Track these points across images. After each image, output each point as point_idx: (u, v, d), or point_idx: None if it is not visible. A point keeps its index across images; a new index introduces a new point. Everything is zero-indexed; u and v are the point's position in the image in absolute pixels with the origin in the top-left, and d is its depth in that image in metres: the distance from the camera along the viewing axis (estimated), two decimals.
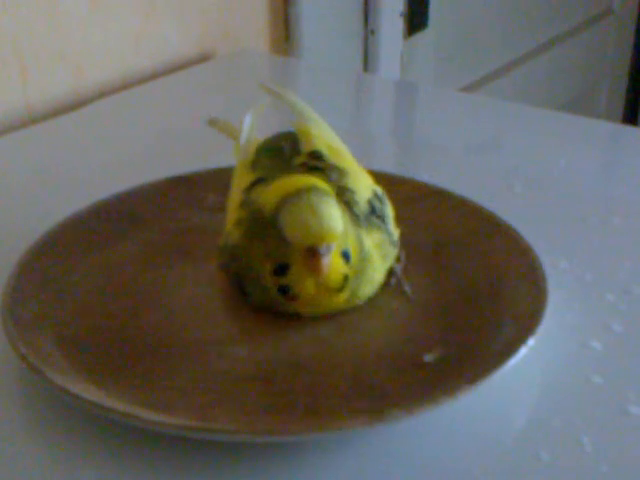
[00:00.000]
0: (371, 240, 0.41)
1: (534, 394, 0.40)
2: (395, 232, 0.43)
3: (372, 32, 0.95)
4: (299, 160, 0.43)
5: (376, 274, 0.42)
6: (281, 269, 0.39)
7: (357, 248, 0.40)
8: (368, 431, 0.36)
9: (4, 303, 0.41)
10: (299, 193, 0.38)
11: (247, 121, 0.47)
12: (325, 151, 0.44)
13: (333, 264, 0.38)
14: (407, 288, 0.44)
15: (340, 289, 0.40)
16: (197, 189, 0.51)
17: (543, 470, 0.35)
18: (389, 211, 0.44)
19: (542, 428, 0.37)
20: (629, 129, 0.72)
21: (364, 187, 0.43)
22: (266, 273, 0.40)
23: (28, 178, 0.59)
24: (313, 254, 0.38)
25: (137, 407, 0.35)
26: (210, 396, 0.37)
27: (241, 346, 0.41)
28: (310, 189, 0.38)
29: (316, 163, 0.43)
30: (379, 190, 0.44)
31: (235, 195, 0.44)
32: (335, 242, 0.38)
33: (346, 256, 0.39)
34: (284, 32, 0.89)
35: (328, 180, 0.41)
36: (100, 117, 0.69)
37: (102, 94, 0.73)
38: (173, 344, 0.40)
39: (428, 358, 0.39)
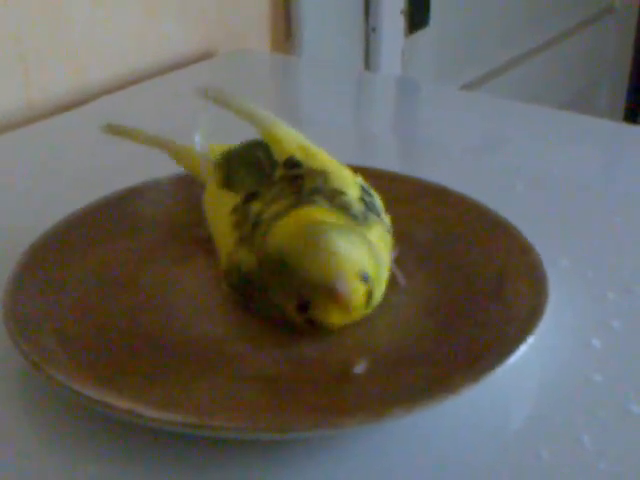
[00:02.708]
0: (374, 236, 0.41)
1: (534, 392, 0.40)
2: (387, 220, 0.43)
3: (373, 30, 0.95)
4: (279, 173, 0.43)
5: (386, 269, 0.41)
6: (304, 306, 0.39)
7: (372, 258, 0.39)
8: (369, 428, 0.36)
9: (5, 301, 0.41)
10: (312, 234, 0.38)
11: (197, 142, 0.47)
12: (300, 154, 0.43)
13: (354, 291, 0.38)
14: (401, 280, 0.43)
15: (365, 307, 0.39)
16: (198, 188, 0.51)
17: (543, 468, 0.35)
18: (378, 201, 0.43)
19: (542, 426, 0.37)
20: (630, 127, 0.72)
21: (351, 184, 0.42)
22: (291, 309, 0.39)
23: (29, 176, 0.59)
24: (335, 292, 0.37)
25: (138, 404, 0.35)
26: (211, 394, 0.37)
27: (242, 344, 0.41)
28: (323, 229, 0.38)
29: (295, 172, 0.42)
30: (362, 182, 0.43)
31: (219, 215, 0.43)
32: (353, 276, 0.38)
33: (365, 277, 0.38)
34: (285, 30, 0.89)
35: (318, 190, 0.41)
36: (102, 115, 0.69)
37: (104, 92, 0.73)
38: (174, 342, 0.41)
39: (357, 370, 0.39)
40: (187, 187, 0.51)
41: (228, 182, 0.44)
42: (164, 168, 0.53)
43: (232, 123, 0.46)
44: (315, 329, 0.40)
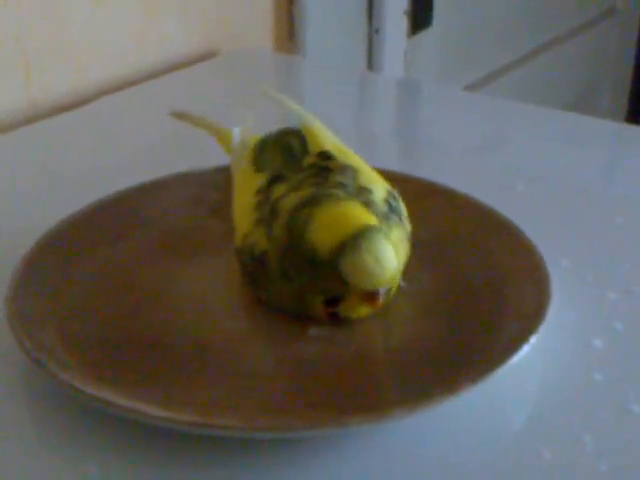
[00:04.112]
0: (393, 238, 0.40)
1: (536, 392, 0.40)
2: (409, 228, 0.43)
3: (376, 30, 0.96)
4: (309, 160, 0.43)
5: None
6: (334, 301, 0.39)
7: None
8: (370, 429, 0.36)
9: (9, 299, 0.41)
10: (358, 238, 0.37)
11: (236, 133, 0.47)
12: (334, 151, 0.44)
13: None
14: (402, 282, 0.44)
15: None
16: (200, 187, 0.51)
17: (544, 468, 0.35)
18: (403, 208, 0.43)
19: (544, 426, 0.37)
20: (632, 128, 0.72)
21: (379, 186, 0.43)
22: (316, 302, 0.40)
23: (31, 175, 0.59)
24: (372, 295, 0.38)
25: (140, 403, 0.35)
26: (213, 392, 0.37)
27: (243, 343, 0.41)
28: (367, 232, 0.38)
29: (327, 164, 0.43)
30: (391, 188, 0.44)
31: (244, 195, 0.44)
32: (389, 282, 0.38)
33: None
34: (288, 30, 0.89)
35: (343, 185, 0.41)
36: (103, 115, 0.69)
37: (105, 92, 0.73)
38: (176, 341, 0.41)
39: (312, 332, 0.40)
40: (189, 186, 0.51)
41: (258, 163, 0.45)
42: (166, 167, 0.53)
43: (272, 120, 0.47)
44: (334, 321, 0.40)
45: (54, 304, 0.42)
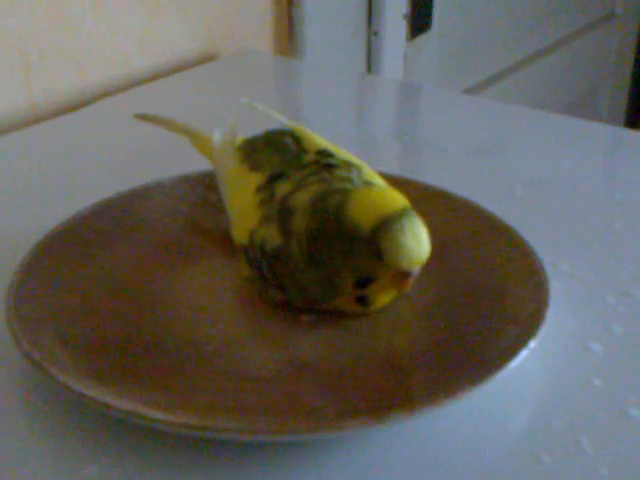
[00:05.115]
0: None
1: (534, 396, 0.40)
2: None
3: (375, 33, 0.96)
4: (309, 158, 0.43)
5: None
6: (365, 282, 0.39)
7: None
8: (369, 431, 0.36)
9: (8, 301, 0.41)
10: (398, 217, 0.38)
11: (216, 136, 0.48)
12: (332, 149, 0.44)
13: None
14: None
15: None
16: (200, 188, 0.51)
17: (543, 472, 0.35)
18: None
19: (542, 430, 0.37)
20: (631, 132, 0.72)
21: (381, 182, 0.43)
22: (347, 283, 0.39)
23: (32, 177, 0.59)
24: (405, 275, 0.38)
25: (140, 405, 0.35)
26: (212, 395, 0.37)
27: (243, 346, 0.41)
28: (406, 212, 0.38)
29: (329, 160, 0.43)
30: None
31: (243, 194, 0.44)
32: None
33: None
34: (288, 33, 0.89)
35: (350, 180, 0.41)
36: (104, 116, 0.69)
37: (106, 93, 0.73)
38: (176, 343, 0.41)
39: (304, 319, 0.41)
40: (190, 189, 0.51)
41: (252, 162, 0.45)
42: (167, 169, 0.53)
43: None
44: (360, 307, 0.41)
45: (54, 306, 0.42)
